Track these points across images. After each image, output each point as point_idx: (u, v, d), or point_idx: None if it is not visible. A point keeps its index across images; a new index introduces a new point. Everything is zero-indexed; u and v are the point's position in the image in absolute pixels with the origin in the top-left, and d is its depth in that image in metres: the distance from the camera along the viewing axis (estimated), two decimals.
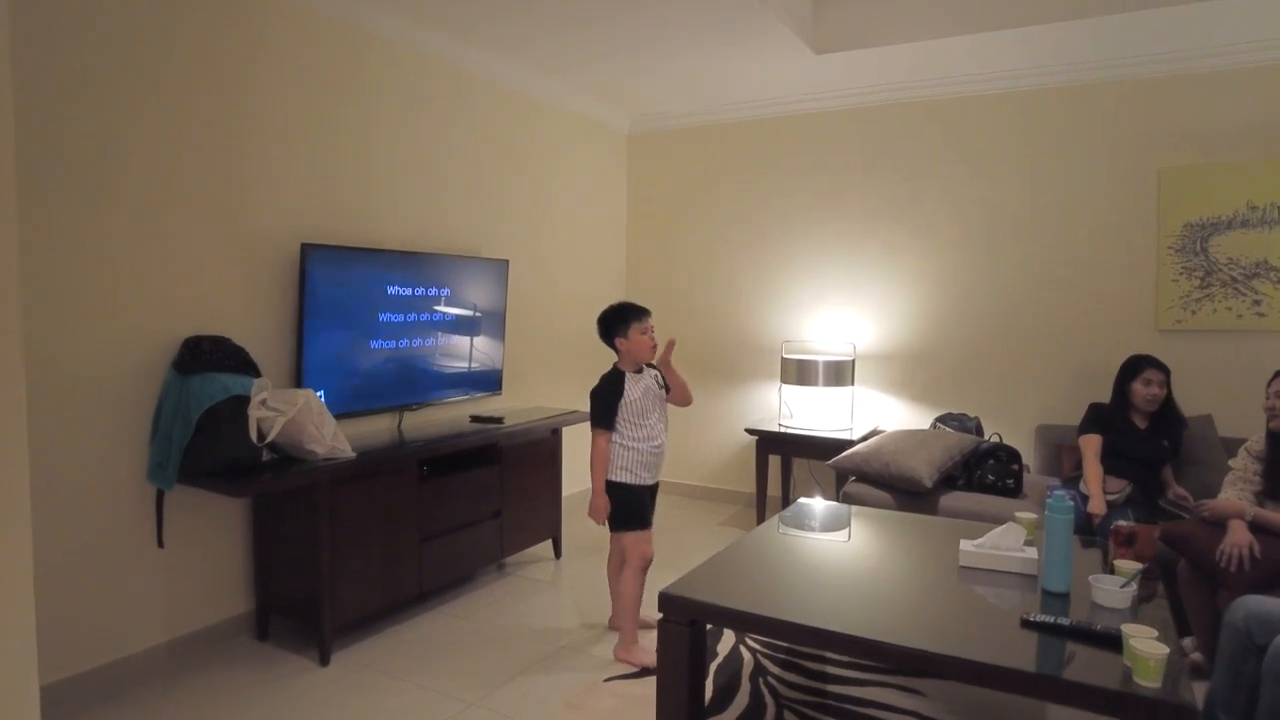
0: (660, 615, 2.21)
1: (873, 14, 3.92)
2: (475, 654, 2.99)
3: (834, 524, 2.94)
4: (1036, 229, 4.30)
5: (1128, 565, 2.23)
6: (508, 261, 4.17)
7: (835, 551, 2.62)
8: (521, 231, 4.54)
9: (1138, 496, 3.36)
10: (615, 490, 2.98)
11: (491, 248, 4.30)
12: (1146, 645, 1.70)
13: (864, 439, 4.31)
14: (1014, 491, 3.65)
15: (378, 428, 3.63)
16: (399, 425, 3.69)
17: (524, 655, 2.98)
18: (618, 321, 3.00)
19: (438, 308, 3.78)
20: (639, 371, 3.02)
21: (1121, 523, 2.40)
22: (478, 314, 4.03)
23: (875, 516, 3.06)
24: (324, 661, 2.88)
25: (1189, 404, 3.78)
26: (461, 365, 3.96)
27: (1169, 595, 2.47)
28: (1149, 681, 1.68)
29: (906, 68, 4.25)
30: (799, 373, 4.51)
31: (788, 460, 4.85)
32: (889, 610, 2.12)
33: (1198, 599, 2.75)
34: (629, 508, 3.00)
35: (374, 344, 3.48)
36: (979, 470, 3.70)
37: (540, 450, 3.93)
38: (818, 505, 3.20)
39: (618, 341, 2.99)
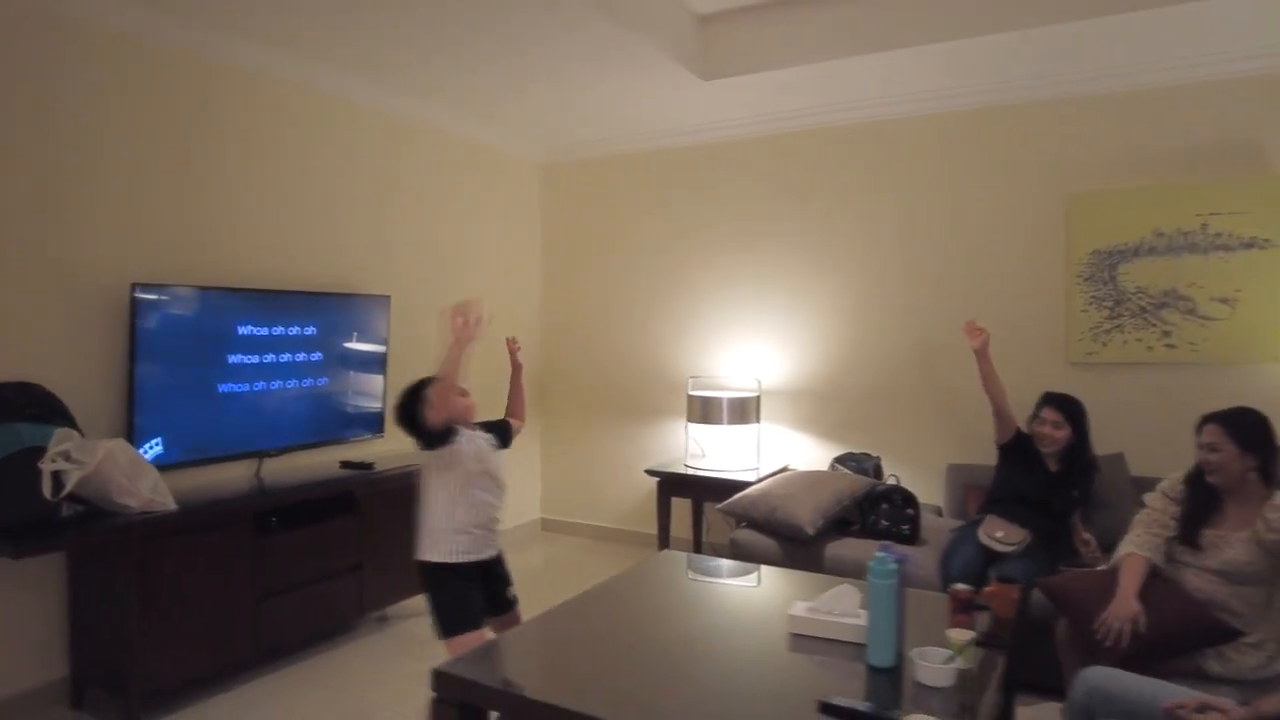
0: (434, 695, 1.99)
1: (761, 37, 3.77)
2: None
3: (679, 584, 2.71)
4: (946, 258, 4.11)
5: (959, 635, 2.00)
6: (389, 297, 3.99)
7: (663, 621, 2.39)
8: (413, 266, 4.36)
9: (1039, 547, 3.12)
10: (432, 575, 2.52)
11: (375, 283, 4.11)
12: None
13: (763, 480, 4.09)
14: (910, 538, 3.43)
15: (231, 476, 3.41)
16: (257, 473, 3.48)
17: None
18: (414, 405, 2.52)
19: (302, 348, 3.59)
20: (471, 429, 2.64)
21: (960, 585, 2.17)
22: (353, 353, 3.84)
23: (732, 572, 2.83)
24: None
25: (1100, 442, 3.55)
26: (334, 407, 3.76)
27: (1029, 667, 2.20)
28: None
29: (807, 93, 4.08)
30: (704, 410, 4.30)
31: (699, 502, 4.62)
32: (689, 692, 1.89)
33: (1075, 664, 2.50)
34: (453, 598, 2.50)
35: (223, 387, 3.28)
36: (872, 515, 3.48)
37: (413, 497, 3.70)
38: (674, 560, 2.96)
39: (430, 416, 2.45)
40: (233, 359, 3.32)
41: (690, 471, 4.26)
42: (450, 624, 2.47)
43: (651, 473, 4.31)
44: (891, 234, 4.23)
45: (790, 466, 4.39)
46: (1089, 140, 3.79)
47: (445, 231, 4.57)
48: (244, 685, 3.05)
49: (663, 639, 2.23)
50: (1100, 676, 1.99)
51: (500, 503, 2.64)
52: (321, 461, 3.75)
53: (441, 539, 2.52)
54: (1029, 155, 3.91)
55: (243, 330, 3.35)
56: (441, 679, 1.97)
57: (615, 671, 2.03)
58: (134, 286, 2.96)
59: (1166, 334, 3.63)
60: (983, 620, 2.28)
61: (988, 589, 2.35)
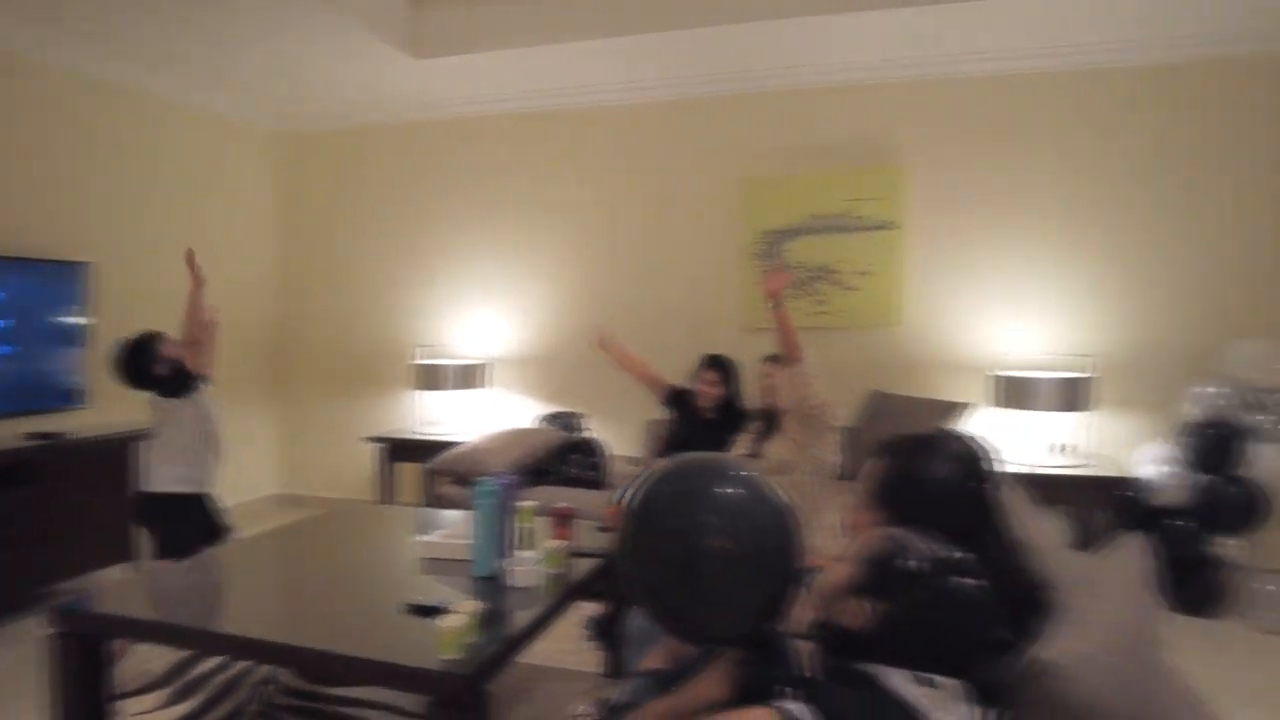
0: (52, 630, 2.09)
1: (471, 22, 4.00)
2: None
3: (352, 529, 2.92)
4: (642, 235, 4.56)
5: (550, 545, 2.35)
6: (89, 264, 3.89)
7: (320, 556, 2.60)
8: (126, 233, 4.24)
9: None
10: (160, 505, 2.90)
11: (74, 249, 3.97)
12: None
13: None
14: (597, 483, 3.82)
15: None
16: None
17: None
18: (140, 357, 2.90)
19: None
20: None
21: (561, 504, 2.54)
22: (50, 321, 3.72)
23: (409, 518, 3.07)
24: None
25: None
26: (26, 377, 3.63)
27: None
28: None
29: (523, 77, 4.38)
30: (429, 377, 4.51)
31: None
32: (314, 607, 2.12)
33: None
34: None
35: None
36: (564, 464, 3.84)
37: (106, 467, 3.67)
38: (355, 511, 3.17)
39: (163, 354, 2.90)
40: None
41: (415, 436, 4.46)
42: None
43: (372, 439, 4.47)
44: (600, 214, 4.63)
45: (519, 428, 4.70)
46: (759, 133, 4.34)
47: (161, 198, 4.47)
48: None
49: (313, 570, 2.44)
50: None
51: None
52: (6, 434, 3.61)
53: (172, 471, 2.83)
54: (711, 145, 4.42)
55: None
56: (61, 615, 2.07)
57: (251, 597, 2.22)
58: None
59: (821, 303, 4.25)
60: (600, 538, 2.66)
61: (608, 510, 2.73)
